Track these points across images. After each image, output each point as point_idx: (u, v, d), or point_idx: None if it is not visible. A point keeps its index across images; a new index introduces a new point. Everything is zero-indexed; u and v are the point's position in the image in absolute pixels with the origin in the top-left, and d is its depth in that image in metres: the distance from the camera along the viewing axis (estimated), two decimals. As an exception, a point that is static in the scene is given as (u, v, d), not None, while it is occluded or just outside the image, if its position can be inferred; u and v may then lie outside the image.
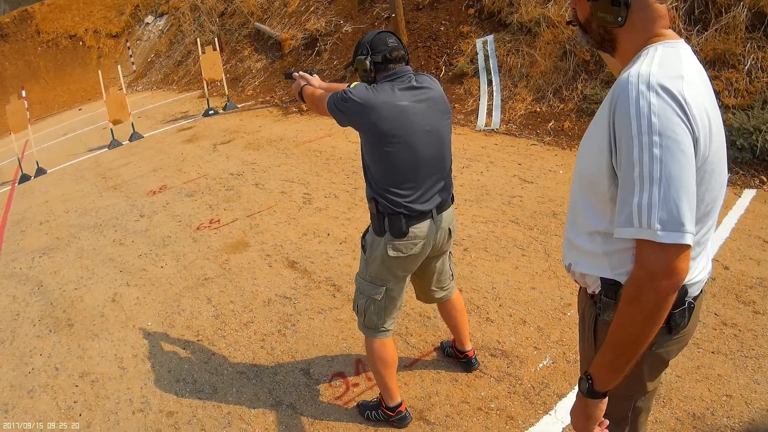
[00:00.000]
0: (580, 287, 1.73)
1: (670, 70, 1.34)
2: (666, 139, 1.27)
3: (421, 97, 2.49)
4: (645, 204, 1.28)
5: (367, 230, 2.74)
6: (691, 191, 1.28)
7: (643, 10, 1.45)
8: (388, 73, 2.52)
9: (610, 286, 1.53)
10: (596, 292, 1.59)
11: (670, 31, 1.48)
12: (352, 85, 2.51)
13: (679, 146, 1.27)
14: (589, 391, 1.50)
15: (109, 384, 3.74)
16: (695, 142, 1.31)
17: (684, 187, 1.27)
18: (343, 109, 2.47)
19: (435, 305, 3.27)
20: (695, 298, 1.55)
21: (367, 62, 2.52)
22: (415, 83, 2.50)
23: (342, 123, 2.54)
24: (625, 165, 1.32)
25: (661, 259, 1.29)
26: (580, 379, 1.53)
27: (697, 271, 1.51)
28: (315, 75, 3.00)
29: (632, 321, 1.35)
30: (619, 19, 1.46)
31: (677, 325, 1.52)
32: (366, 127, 2.46)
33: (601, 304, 1.57)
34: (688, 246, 1.29)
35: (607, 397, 1.52)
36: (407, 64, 2.58)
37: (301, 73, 2.98)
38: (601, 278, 1.55)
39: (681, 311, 1.50)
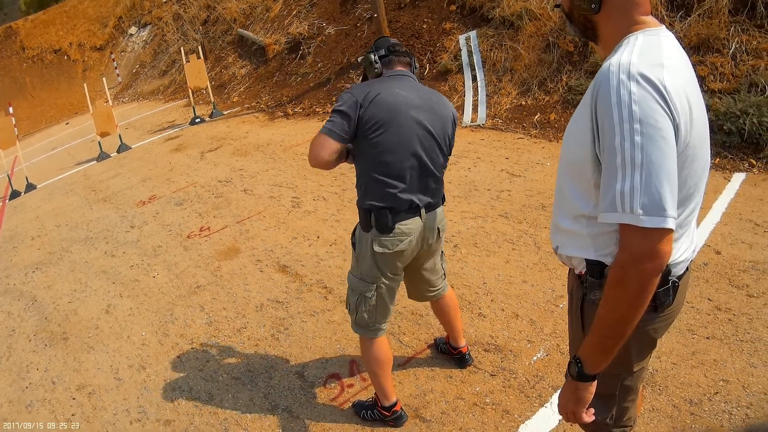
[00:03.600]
0: (569, 269, 1.77)
1: (651, 59, 1.37)
2: (647, 126, 1.30)
3: (418, 93, 2.56)
4: (627, 190, 1.32)
5: (356, 228, 2.74)
6: (672, 177, 1.31)
7: None
8: (393, 72, 2.65)
9: (594, 267, 1.57)
10: (582, 272, 1.63)
11: (650, 18, 1.49)
12: None
13: (660, 133, 1.30)
14: (579, 375, 1.53)
15: (105, 395, 3.73)
16: (676, 129, 1.34)
17: (665, 172, 1.30)
18: (339, 101, 2.49)
19: (428, 302, 3.27)
20: (679, 278, 1.59)
21: (372, 56, 2.67)
22: (418, 86, 2.62)
23: (345, 118, 2.49)
24: (608, 152, 1.35)
25: (644, 242, 1.32)
26: (570, 363, 1.56)
27: (680, 252, 1.55)
28: None
29: (618, 303, 1.39)
30: (593, 6, 1.49)
31: (662, 304, 1.56)
32: (359, 116, 2.48)
33: (587, 284, 1.62)
34: (671, 230, 1.32)
35: (596, 381, 1.55)
36: (413, 71, 2.72)
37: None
38: (586, 259, 1.59)
39: (665, 290, 1.54)
